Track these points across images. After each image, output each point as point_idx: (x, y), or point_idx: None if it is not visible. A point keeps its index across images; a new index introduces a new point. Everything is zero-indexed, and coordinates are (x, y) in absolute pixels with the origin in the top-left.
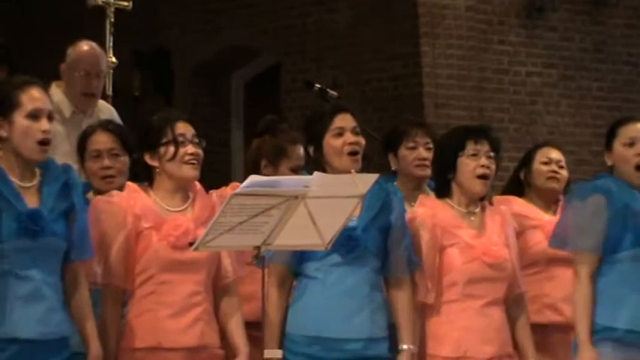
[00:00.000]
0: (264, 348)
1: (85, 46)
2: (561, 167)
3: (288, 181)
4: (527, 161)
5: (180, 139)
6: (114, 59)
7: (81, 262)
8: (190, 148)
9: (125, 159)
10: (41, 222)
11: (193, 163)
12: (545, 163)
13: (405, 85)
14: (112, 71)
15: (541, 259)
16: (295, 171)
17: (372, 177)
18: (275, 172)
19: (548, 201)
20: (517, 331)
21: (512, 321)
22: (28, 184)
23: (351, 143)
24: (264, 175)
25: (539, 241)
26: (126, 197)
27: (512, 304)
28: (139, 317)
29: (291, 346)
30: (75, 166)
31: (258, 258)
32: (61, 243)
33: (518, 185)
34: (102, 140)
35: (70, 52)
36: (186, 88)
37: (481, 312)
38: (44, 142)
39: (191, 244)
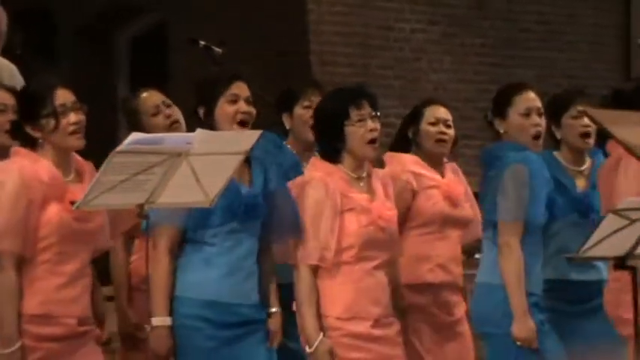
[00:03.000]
0: (152, 315)
1: None
2: (449, 127)
3: (171, 139)
4: (414, 119)
5: (61, 109)
6: None
7: None
8: (73, 117)
9: (8, 116)
10: None
11: (78, 133)
12: (433, 124)
13: (291, 42)
14: None
15: (437, 219)
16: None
17: (255, 133)
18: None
19: (435, 160)
20: (392, 292)
21: (389, 282)
22: None
23: (243, 112)
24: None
25: (437, 201)
26: (27, 163)
27: (392, 266)
28: (33, 284)
29: (184, 309)
30: None
31: (142, 216)
32: None
33: (405, 142)
34: None
35: None
36: (69, 46)
37: (371, 274)
38: None
39: (72, 203)
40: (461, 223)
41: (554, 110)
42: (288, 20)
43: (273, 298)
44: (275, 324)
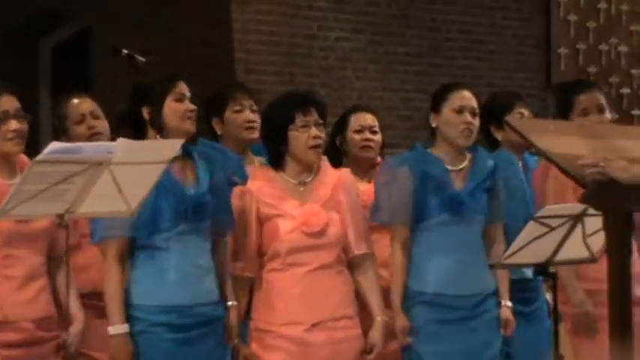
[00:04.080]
0: (110, 324)
1: None
2: (374, 132)
3: (92, 148)
4: (341, 128)
5: (3, 115)
6: None
7: None
8: (13, 124)
9: None
10: None
11: (16, 140)
12: (358, 131)
13: (217, 51)
14: None
15: None
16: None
17: (178, 142)
18: None
19: (364, 168)
20: (362, 292)
21: (357, 282)
22: None
23: (191, 110)
24: None
25: None
26: None
27: (353, 266)
28: None
29: (143, 315)
30: None
31: (61, 226)
32: None
33: (336, 152)
34: None
35: None
36: None
37: (305, 279)
38: None
39: None
40: (385, 228)
41: (495, 112)
42: (213, 29)
43: (229, 291)
44: (232, 319)
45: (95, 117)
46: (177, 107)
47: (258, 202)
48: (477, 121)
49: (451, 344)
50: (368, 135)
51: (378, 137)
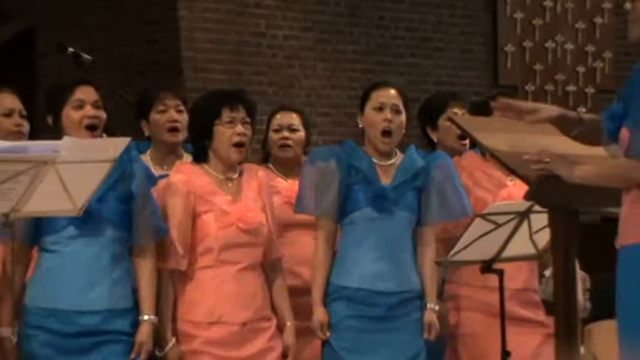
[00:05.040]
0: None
1: None
2: (293, 131)
3: (37, 147)
4: (267, 128)
5: None
6: None
7: None
8: None
9: None
10: None
11: None
12: (276, 131)
13: (164, 49)
14: None
15: (279, 223)
16: None
17: (124, 141)
18: None
19: (288, 166)
20: (274, 296)
21: (269, 285)
22: None
23: (90, 117)
24: None
25: (277, 205)
26: None
27: (269, 269)
28: None
29: (29, 318)
30: None
31: (7, 226)
32: None
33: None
34: None
35: None
36: None
37: (236, 277)
38: None
39: None
40: (307, 225)
41: (430, 113)
42: (160, 27)
43: (146, 304)
44: (141, 333)
45: (22, 116)
46: (74, 115)
47: (189, 197)
48: (399, 119)
49: (368, 342)
50: (285, 134)
51: (297, 135)
